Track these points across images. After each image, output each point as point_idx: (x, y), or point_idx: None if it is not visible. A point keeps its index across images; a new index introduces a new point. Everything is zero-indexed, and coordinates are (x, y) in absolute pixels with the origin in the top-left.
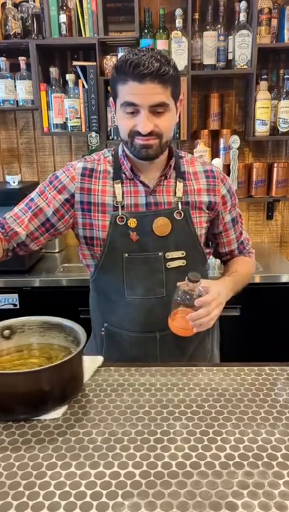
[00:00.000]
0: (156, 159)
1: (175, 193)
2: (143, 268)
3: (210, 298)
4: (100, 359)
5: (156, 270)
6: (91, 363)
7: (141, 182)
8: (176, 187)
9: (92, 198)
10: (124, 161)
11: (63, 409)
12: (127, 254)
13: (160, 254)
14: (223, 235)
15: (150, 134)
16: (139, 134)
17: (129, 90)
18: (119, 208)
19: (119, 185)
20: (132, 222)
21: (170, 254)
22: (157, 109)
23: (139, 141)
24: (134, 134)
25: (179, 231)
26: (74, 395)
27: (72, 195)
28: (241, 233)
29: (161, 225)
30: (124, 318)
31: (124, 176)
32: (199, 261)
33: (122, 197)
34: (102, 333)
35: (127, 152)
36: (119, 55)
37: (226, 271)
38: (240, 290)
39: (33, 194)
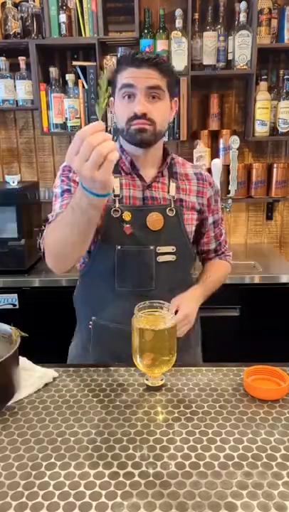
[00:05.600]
0: (150, 147)
1: (169, 191)
2: (134, 261)
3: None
4: (50, 375)
5: (146, 263)
6: (39, 378)
7: (138, 176)
8: (169, 186)
9: None
10: (122, 155)
11: None
12: (119, 247)
13: (152, 247)
14: (204, 235)
15: (145, 117)
16: (135, 117)
17: (126, 74)
18: (116, 200)
19: (117, 179)
20: (127, 216)
21: (161, 249)
22: (152, 93)
23: (134, 126)
24: (130, 119)
25: (170, 227)
26: None
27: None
28: (221, 235)
29: (155, 220)
30: (112, 309)
31: (122, 169)
32: (188, 259)
33: (121, 189)
34: (90, 327)
35: (125, 145)
36: (120, 55)
37: (200, 276)
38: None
39: (62, 188)
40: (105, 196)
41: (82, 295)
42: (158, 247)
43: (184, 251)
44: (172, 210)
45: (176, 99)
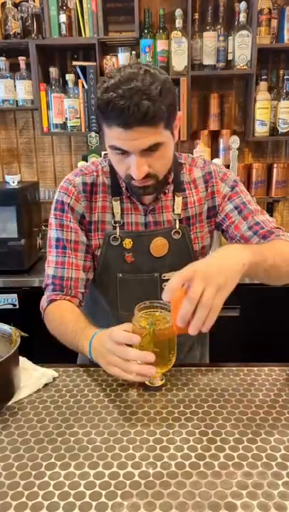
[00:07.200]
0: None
1: (174, 209)
2: (137, 289)
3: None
4: (50, 375)
5: (150, 291)
6: (38, 379)
7: (145, 194)
8: (174, 202)
9: (93, 217)
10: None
11: None
12: (120, 275)
13: (156, 275)
14: (228, 222)
15: (145, 176)
16: (133, 177)
17: (114, 135)
18: (117, 227)
19: (118, 202)
20: (128, 243)
21: (166, 275)
22: (150, 149)
23: (135, 183)
24: (129, 177)
25: (176, 251)
26: None
27: (83, 216)
28: (252, 213)
29: (159, 246)
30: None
31: (122, 190)
32: None
33: (122, 215)
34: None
35: None
36: (119, 55)
37: None
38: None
39: (55, 234)
40: None
41: (85, 310)
42: (163, 274)
43: None
44: (178, 232)
45: (180, 114)
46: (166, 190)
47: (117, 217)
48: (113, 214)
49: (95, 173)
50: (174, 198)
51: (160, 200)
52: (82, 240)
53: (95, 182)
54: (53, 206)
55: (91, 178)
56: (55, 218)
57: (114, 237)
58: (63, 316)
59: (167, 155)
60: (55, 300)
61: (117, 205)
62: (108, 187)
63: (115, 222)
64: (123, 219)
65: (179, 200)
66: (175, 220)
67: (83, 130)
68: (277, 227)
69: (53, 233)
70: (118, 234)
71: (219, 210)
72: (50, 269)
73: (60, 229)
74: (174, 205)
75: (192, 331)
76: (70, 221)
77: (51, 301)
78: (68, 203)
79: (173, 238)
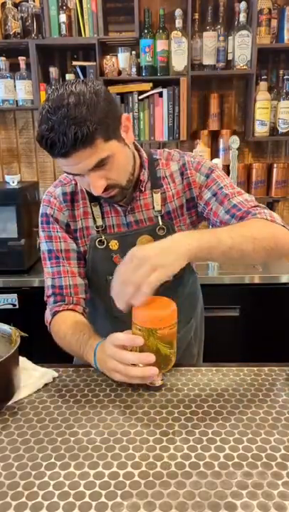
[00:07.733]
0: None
1: (154, 206)
2: None
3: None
4: (50, 375)
5: None
6: (38, 379)
7: (115, 202)
8: (153, 200)
9: (77, 225)
10: None
11: None
12: (110, 277)
13: None
14: (207, 209)
15: (106, 188)
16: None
17: (60, 163)
18: (100, 231)
19: (97, 207)
20: (114, 245)
21: None
22: (98, 166)
23: (102, 195)
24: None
25: None
26: None
27: (68, 225)
28: (228, 196)
29: (145, 243)
30: (110, 331)
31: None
32: (186, 269)
33: (103, 218)
34: None
35: None
36: (119, 55)
37: None
38: (250, 246)
39: (45, 247)
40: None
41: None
42: None
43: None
44: (163, 228)
45: (124, 115)
46: (143, 188)
47: (99, 222)
48: (94, 219)
49: (73, 182)
50: (152, 195)
51: (138, 199)
52: (73, 247)
53: (74, 190)
54: (39, 220)
55: (70, 187)
56: (43, 231)
57: (100, 240)
58: (68, 328)
59: (120, 163)
60: (59, 311)
61: (96, 210)
62: (86, 193)
63: (97, 227)
64: (104, 222)
65: (157, 196)
66: (157, 216)
67: None
68: (255, 206)
69: (43, 246)
70: (103, 237)
71: (198, 200)
72: (48, 281)
73: (49, 240)
74: (153, 202)
75: (119, 304)
76: (57, 232)
77: (55, 313)
78: (52, 215)
79: (158, 235)
